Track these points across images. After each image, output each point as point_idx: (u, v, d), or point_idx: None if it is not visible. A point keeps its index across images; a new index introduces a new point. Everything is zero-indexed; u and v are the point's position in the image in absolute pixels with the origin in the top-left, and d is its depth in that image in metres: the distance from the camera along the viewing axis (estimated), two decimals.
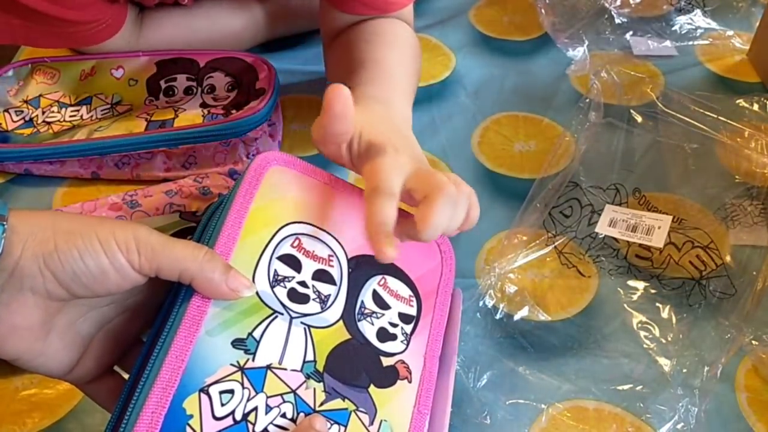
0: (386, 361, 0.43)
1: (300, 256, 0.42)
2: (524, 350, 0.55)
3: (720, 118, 0.71)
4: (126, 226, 0.36)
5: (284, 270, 0.41)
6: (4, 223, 0.34)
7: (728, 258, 0.61)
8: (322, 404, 0.39)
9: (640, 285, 0.59)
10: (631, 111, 0.74)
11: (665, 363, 0.54)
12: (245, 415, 0.36)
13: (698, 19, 0.88)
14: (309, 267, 0.42)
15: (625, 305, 0.58)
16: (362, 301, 0.44)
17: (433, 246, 0.49)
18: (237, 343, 0.38)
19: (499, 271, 0.59)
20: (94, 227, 0.35)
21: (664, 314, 0.57)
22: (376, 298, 0.44)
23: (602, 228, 0.63)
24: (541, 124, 0.75)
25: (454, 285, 0.50)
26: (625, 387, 0.53)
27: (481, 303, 0.58)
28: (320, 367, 0.40)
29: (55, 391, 0.53)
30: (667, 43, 0.85)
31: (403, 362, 0.44)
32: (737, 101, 0.74)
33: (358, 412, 0.40)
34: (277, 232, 0.42)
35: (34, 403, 0.52)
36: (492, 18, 0.91)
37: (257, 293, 0.39)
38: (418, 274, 0.47)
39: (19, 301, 0.35)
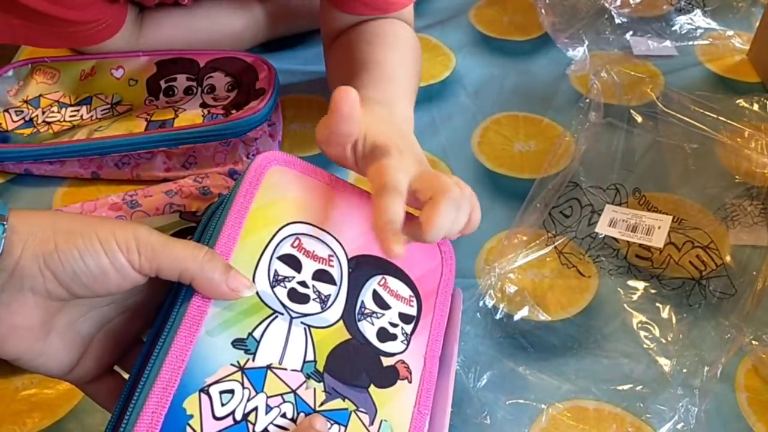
0: (386, 361, 0.43)
1: (300, 256, 0.42)
2: (524, 350, 0.55)
3: (720, 118, 0.71)
4: (126, 226, 0.36)
5: (284, 270, 0.41)
6: (5, 222, 0.34)
7: (728, 258, 0.61)
8: (322, 404, 0.39)
9: (640, 285, 0.59)
10: (631, 111, 0.74)
11: (665, 363, 0.54)
12: (245, 415, 0.36)
13: (698, 19, 0.88)
14: (309, 267, 0.42)
15: (625, 305, 0.58)
16: (362, 301, 0.44)
17: (433, 246, 0.49)
18: (237, 343, 0.38)
19: (499, 271, 0.59)
20: (95, 227, 0.35)
21: (664, 314, 0.57)
22: (377, 298, 0.44)
23: (602, 228, 0.63)
24: (541, 124, 0.75)
25: (454, 285, 0.50)
26: (625, 387, 0.53)
27: (481, 303, 0.58)
28: (320, 367, 0.40)
29: (55, 391, 0.53)
30: (667, 43, 0.85)
31: (404, 362, 0.44)
32: (737, 101, 0.74)
33: (359, 412, 0.40)
34: (277, 232, 0.42)
35: (34, 403, 0.52)
36: (492, 18, 0.91)
37: (257, 293, 0.39)
38: (418, 274, 0.47)
39: (20, 301, 0.35)
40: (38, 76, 0.74)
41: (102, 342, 0.40)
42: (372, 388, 0.41)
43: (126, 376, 0.42)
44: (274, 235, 0.42)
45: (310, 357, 0.40)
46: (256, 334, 0.38)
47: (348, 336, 0.42)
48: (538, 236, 0.63)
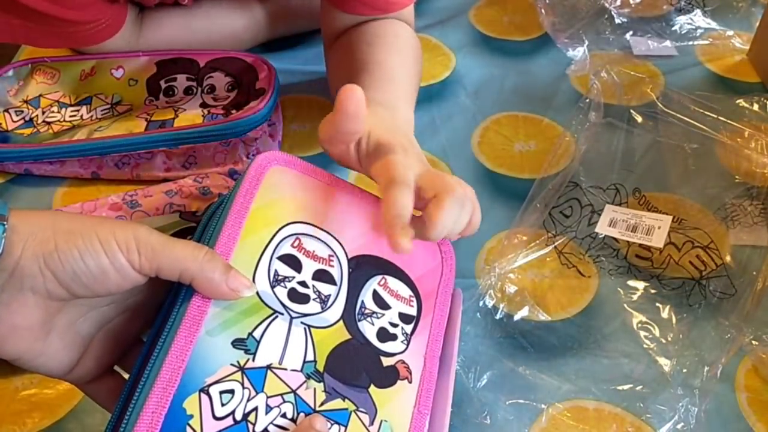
0: (386, 361, 0.43)
1: (300, 256, 0.42)
2: (524, 350, 0.55)
3: (720, 118, 0.71)
4: (126, 226, 0.36)
5: (284, 270, 0.41)
6: (5, 222, 0.34)
7: (728, 258, 0.61)
8: (322, 404, 0.39)
9: (640, 285, 0.59)
10: (631, 111, 0.74)
11: (665, 363, 0.54)
12: (245, 415, 0.36)
13: (698, 19, 0.88)
14: (309, 267, 0.42)
15: (625, 305, 0.58)
16: (362, 301, 0.44)
17: (433, 246, 0.49)
18: (237, 343, 0.38)
19: (499, 271, 0.59)
20: (95, 227, 0.35)
21: (664, 314, 0.57)
22: (377, 298, 0.44)
23: (602, 228, 0.63)
24: (541, 124, 0.75)
25: (454, 285, 0.50)
26: (625, 387, 0.53)
27: (481, 303, 0.58)
28: (320, 367, 0.40)
29: (55, 391, 0.53)
30: (667, 43, 0.85)
31: (404, 362, 0.44)
32: (737, 101, 0.74)
33: (359, 412, 0.40)
34: (277, 232, 0.42)
35: (34, 403, 0.52)
36: (492, 18, 0.91)
37: (257, 293, 0.39)
38: (418, 275, 0.47)
39: (20, 301, 0.35)
40: (38, 76, 0.74)
41: (102, 342, 0.40)
42: (372, 388, 0.41)
43: (126, 376, 0.42)
44: (274, 235, 0.42)
45: (310, 357, 0.40)
46: (256, 334, 0.38)
47: (348, 336, 0.42)
48: (538, 236, 0.63)
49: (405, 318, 0.45)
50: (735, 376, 0.54)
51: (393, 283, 0.45)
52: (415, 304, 0.46)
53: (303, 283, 0.41)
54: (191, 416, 0.35)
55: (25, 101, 0.73)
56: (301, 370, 0.39)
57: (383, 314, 0.44)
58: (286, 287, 0.41)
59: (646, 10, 0.89)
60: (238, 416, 0.36)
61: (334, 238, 0.44)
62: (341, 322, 0.42)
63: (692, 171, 0.68)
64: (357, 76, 0.60)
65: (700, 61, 0.83)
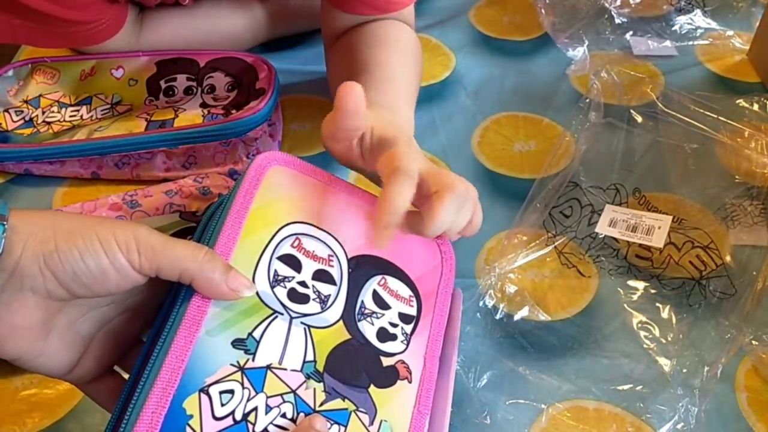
0: (386, 361, 0.43)
1: (300, 256, 0.42)
2: (524, 350, 0.55)
3: (720, 118, 0.71)
4: (126, 226, 0.36)
5: (284, 270, 0.41)
6: (5, 222, 0.34)
7: (728, 258, 0.61)
8: (322, 404, 0.39)
9: (640, 285, 0.59)
10: (631, 111, 0.74)
11: (665, 363, 0.54)
12: (245, 415, 0.36)
13: (698, 19, 0.88)
14: (309, 267, 0.42)
15: (625, 305, 0.58)
16: (362, 301, 0.44)
17: (433, 246, 0.49)
18: (237, 343, 0.38)
19: (499, 271, 0.59)
20: (95, 227, 0.35)
21: (664, 314, 0.57)
22: (376, 298, 0.44)
23: (602, 228, 0.63)
24: (541, 124, 0.76)
25: (454, 285, 0.50)
26: (625, 387, 0.53)
27: (481, 303, 0.58)
28: (320, 367, 0.40)
29: (55, 391, 0.53)
30: (667, 43, 0.85)
31: (403, 362, 0.44)
32: (737, 101, 0.74)
33: (358, 412, 0.40)
34: (277, 232, 0.42)
35: (34, 403, 0.52)
36: (492, 18, 0.91)
37: (257, 293, 0.39)
38: (418, 274, 0.47)
39: (20, 301, 0.35)
40: (38, 76, 0.74)
41: (102, 342, 0.40)
42: (372, 388, 0.41)
43: (126, 376, 0.42)
44: (273, 235, 0.42)
45: (309, 357, 0.40)
46: (256, 334, 0.38)
47: (348, 336, 0.42)
48: (538, 236, 0.63)
49: (405, 318, 0.45)
50: (735, 376, 0.54)
51: (393, 283, 0.45)
52: (415, 304, 0.46)
53: (303, 283, 0.41)
54: (191, 416, 0.35)
55: (25, 101, 0.73)
56: (301, 370, 0.39)
57: (383, 314, 0.44)
58: (285, 287, 0.41)
59: (646, 10, 0.89)
60: (238, 416, 0.36)
61: (334, 238, 0.44)
62: (341, 322, 0.42)
63: (692, 171, 0.68)
64: (357, 77, 0.60)
65: (700, 61, 0.83)
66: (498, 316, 0.57)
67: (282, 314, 0.40)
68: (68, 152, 0.67)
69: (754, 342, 0.55)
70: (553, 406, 0.52)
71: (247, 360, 0.38)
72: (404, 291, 0.46)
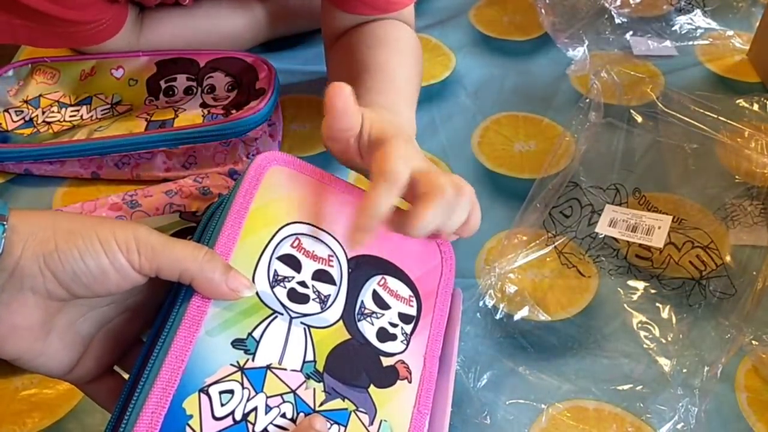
0: (386, 361, 0.43)
1: (300, 256, 0.42)
2: (524, 350, 0.55)
3: (720, 118, 0.71)
4: (126, 226, 0.36)
5: (284, 270, 0.41)
6: (5, 222, 0.34)
7: (728, 258, 0.61)
8: (321, 404, 0.39)
9: (640, 285, 0.59)
10: (631, 111, 0.74)
11: (665, 363, 0.54)
12: (245, 415, 0.36)
13: (698, 19, 0.88)
14: (309, 267, 0.42)
15: (625, 305, 0.58)
16: (362, 301, 0.44)
17: (433, 246, 0.49)
18: (237, 343, 0.38)
19: (499, 271, 0.59)
20: (95, 227, 0.35)
21: (664, 314, 0.57)
22: (376, 298, 0.44)
23: (602, 228, 0.63)
24: (541, 124, 0.76)
25: (454, 285, 0.50)
26: (625, 387, 0.53)
27: (481, 303, 0.58)
28: (320, 367, 0.40)
29: (55, 391, 0.53)
30: (667, 43, 0.85)
31: (403, 362, 0.44)
32: (737, 101, 0.74)
33: (358, 412, 0.40)
34: (277, 232, 0.42)
35: (34, 403, 0.52)
36: (492, 18, 0.91)
37: (257, 293, 0.39)
38: (418, 274, 0.47)
39: (20, 301, 0.35)
40: (38, 76, 0.74)
41: (102, 342, 0.40)
42: (372, 388, 0.41)
43: (126, 376, 0.42)
44: (273, 235, 0.42)
45: (309, 357, 0.40)
46: (256, 334, 0.38)
47: (348, 336, 0.42)
48: (538, 236, 0.63)
49: (405, 318, 0.45)
50: (735, 376, 0.54)
51: (393, 283, 0.45)
52: (414, 304, 0.46)
53: (302, 283, 0.41)
54: (191, 416, 0.35)
55: (25, 101, 0.73)
56: (301, 370, 0.39)
57: (383, 314, 0.44)
58: (285, 287, 0.41)
59: (646, 10, 0.89)
60: (238, 416, 0.36)
61: (334, 238, 0.44)
62: (341, 322, 0.42)
63: (692, 171, 0.68)
64: (358, 78, 0.60)
65: (700, 61, 0.83)
66: (498, 316, 0.57)
67: (282, 314, 0.40)
68: (68, 152, 0.67)
69: (754, 342, 0.55)
70: (553, 406, 0.52)
71: (247, 360, 0.38)
72: (404, 291, 0.46)
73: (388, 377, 0.43)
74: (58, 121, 0.70)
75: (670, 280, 0.59)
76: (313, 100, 0.78)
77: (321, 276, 0.42)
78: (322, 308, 0.42)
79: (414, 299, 0.46)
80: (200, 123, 0.67)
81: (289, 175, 0.44)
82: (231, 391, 0.36)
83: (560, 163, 0.69)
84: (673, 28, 0.87)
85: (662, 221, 0.62)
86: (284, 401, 0.38)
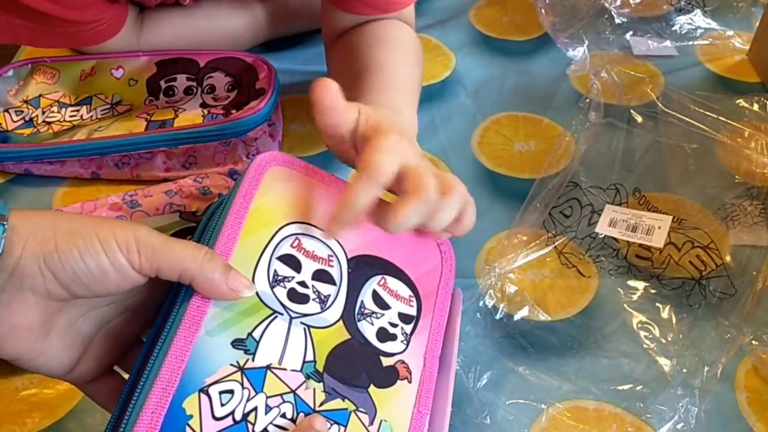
0: (386, 361, 0.43)
1: (300, 256, 0.42)
2: (524, 350, 0.55)
3: (720, 118, 0.71)
4: (126, 226, 0.36)
5: (284, 270, 0.41)
6: (5, 222, 0.34)
7: (728, 258, 0.61)
8: (321, 404, 0.39)
9: (640, 285, 0.59)
10: (631, 111, 0.74)
11: (665, 363, 0.54)
12: (245, 415, 0.36)
13: (698, 19, 0.88)
14: (309, 267, 0.42)
15: (625, 305, 0.58)
16: (362, 301, 0.44)
17: (433, 246, 0.49)
18: (237, 344, 0.38)
19: (499, 271, 0.59)
20: (95, 227, 0.35)
21: (664, 314, 0.57)
22: (376, 298, 0.44)
23: (602, 228, 0.63)
24: (541, 124, 0.75)
25: (454, 285, 0.50)
26: (625, 387, 0.53)
27: (481, 303, 0.58)
28: (320, 367, 0.40)
29: (55, 391, 0.53)
30: (667, 43, 0.85)
31: (403, 362, 0.44)
32: (737, 101, 0.74)
33: (358, 412, 0.40)
34: (276, 232, 0.42)
35: (34, 403, 0.52)
36: (492, 18, 0.91)
37: (257, 293, 0.39)
38: (418, 274, 0.47)
39: (20, 301, 0.35)
40: (38, 76, 0.74)
41: (102, 342, 0.40)
42: (372, 388, 0.41)
43: (126, 376, 0.42)
44: (273, 235, 0.42)
45: (309, 357, 0.40)
46: (256, 334, 0.38)
47: (348, 336, 0.42)
48: (538, 236, 0.63)
49: (405, 318, 0.45)
50: (735, 376, 0.54)
51: (392, 283, 0.45)
52: (414, 304, 0.46)
53: (302, 283, 0.41)
54: (191, 416, 0.35)
55: (25, 101, 0.73)
56: (301, 370, 0.39)
57: (383, 314, 0.44)
58: (285, 287, 0.41)
59: (646, 10, 0.89)
60: (238, 416, 0.36)
61: (334, 238, 0.44)
62: (341, 322, 0.42)
63: (692, 171, 0.68)
64: (359, 78, 0.60)
65: (700, 61, 0.83)
66: (498, 316, 0.57)
67: (282, 314, 0.40)
68: (68, 152, 0.67)
69: (754, 342, 0.55)
70: (553, 406, 0.52)
71: (247, 360, 0.38)
72: (404, 291, 0.46)
73: (388, 377, 0.43)
74: (58, 121, 0.70)
75: (670, 280, 0.59)
76: None
77: (321, 276, 0.42)
78: (322, 308, 0.42)
79: (414, 299, 0.46)
80: (200, 123, 0.67)
81: (289, 176, 0.44)
82: (231, 391, 0.36)
83: (560, 163, 0.69)
84: (673, 28, 0.87)
85: (662, 221, 0.62)
86: (284, 401, 0.38)
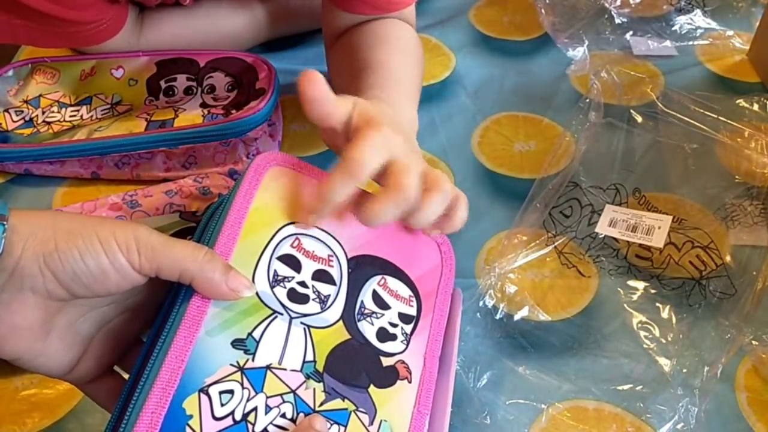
0: (386, 361, 0.43)
1: (300, 256, 0.42)
2: (524, 350, 0.55)
3: (720, 118, 0.71)
4: (126, 226, 0.36)
5: (284, 270, 0.41)
6: (5, 222, 0.34)
7: (728, 258, 0.61)
8: (321, 404, 0.39)
9: (640, 285, 0.59)
10: (631, 111, 0.74)
11: (665, 363, 0.54)
12: (245, 416, 0.36)
13: (698, 19, 0.88)
14: (309, 267, 0.42)
15: (625, 305, 0.58)
16: (362, 301, 0.44)
17: (433, 246, 0.49)
18: (237, 344, 0.38)
19: (499, 271, 0.59)
20: (95, 227, 0.35)
21: (664, 314, 0.57)
22: (376, 298, 0.44)
23: (602, 228, 0.63)
24: (541, 124, 0.75)
25: (454, 285, 0.50)
26: (625, 387, 0.53)
27: (481, 303, 0.58)
28: (320, 367, 0.40)
29: (55, 391, 0.53)
30: (667, 43, 0.85)
31: (403, 362, 0.44)
32: (737, 101, 0.74)
33: (358, 412, 0.40)
34: (276, 232, 0.42)
35: (34, 403, 0.52)
36: (492, 18, 0.91)
37: (257, 293, 0.39)
38: (418, 274, 0.47)
39: (20, 301, 0.35)
40: (38, 76, 0.74)
41: (102, 342, 0.40)
42: (372, 388, 0.41)
43: (126, 376, 0.42)
44: (273, 236, 0.42)
45: (309, 357, 0.40)
46: (256, 334, 0.38)
47: (348, 336, 0.42)
48: (538, 236, 0.63)
49: (405, 318, 0.45)
50: (735, 376, 0.54)
51: (392, 283, 0.45)
52: (414, 304, 0.46)
53: (302, 283, 0.41)
54: (191, 416, 0.35)
55: (25, 101, 0.73)
56: (301, 370, 0.39)
57: (383, 314, 0.44)
58: (285, 287, 0.41)
59: (646, 10, 0.89)
60: (238, 416, 0.36)
61: (334, 238, 0.44)
62: (341, 322, 0.42)
63: (692, 171, 0.68)
64: (359, 77, 0.60)
65: (700, 61, 0.83)
66: (498, 316, 0.57)
67: (282, 314, 0.40)
68: (68, 152, 0.67)
69: (754, 342, 0.55)
70: (553, 406, 0.52)
71: (247, 360, 0.38)
72: (404, 291, 0.46)
73: (388, 377, 0.43)
74: (58, 121, 0.71)
75: (670, 280, 0.59)
76: None
77: (321, 276, 0.42)
78: (322, 308, 0.42)
79: (414, 299, 0.46)
80: (200, 123, 0.67)
81: (288, 175, 0.44)
82: (231, 391, 0.36)
83: (560, 163, 0.69)
84: (673, 28, 0.87)
85: (662, 221, 0.62)
86: (284, 401, 0.38)
